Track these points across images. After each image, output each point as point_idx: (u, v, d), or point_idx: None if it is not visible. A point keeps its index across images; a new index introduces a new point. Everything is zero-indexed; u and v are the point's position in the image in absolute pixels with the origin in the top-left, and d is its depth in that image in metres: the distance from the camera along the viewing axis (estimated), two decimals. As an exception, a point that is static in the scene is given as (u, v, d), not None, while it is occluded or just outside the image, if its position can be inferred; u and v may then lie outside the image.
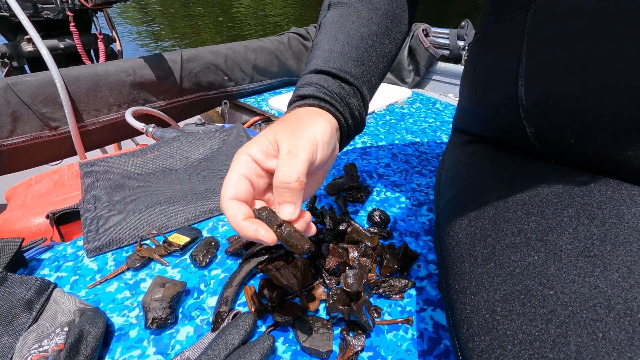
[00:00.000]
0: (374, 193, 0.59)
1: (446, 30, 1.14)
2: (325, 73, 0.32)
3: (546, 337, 0.19)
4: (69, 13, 0.89)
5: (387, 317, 0.38)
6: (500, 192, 0.29)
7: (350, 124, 0.33)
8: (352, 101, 0.32)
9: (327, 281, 0.41)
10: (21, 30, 0.92)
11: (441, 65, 1.17)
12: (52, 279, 0.43)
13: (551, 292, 0.20)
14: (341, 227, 0.46)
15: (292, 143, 0.27)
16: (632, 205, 0.22)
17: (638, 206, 0.22)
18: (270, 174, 0.29)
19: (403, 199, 0.58)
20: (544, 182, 0.27)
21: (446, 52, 1.14)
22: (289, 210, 0.26)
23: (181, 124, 0.95)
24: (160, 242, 0.47)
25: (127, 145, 1.16)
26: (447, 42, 1.13)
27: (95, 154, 0.95)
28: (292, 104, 0.33)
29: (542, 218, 0.24)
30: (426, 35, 1.14)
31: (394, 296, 0.40)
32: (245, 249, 0.45)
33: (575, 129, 0.26)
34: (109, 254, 0.46)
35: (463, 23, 1.09)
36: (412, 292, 0.41)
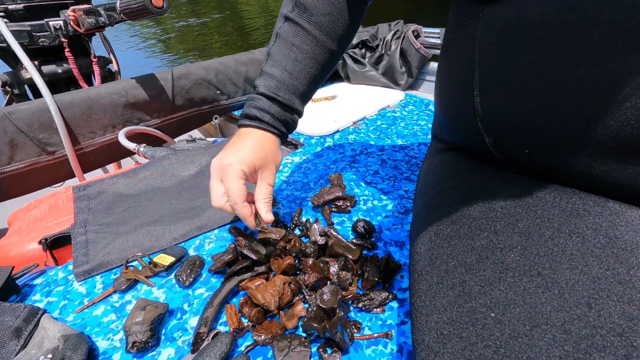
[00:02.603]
0: (361, 202, 0.59)
1: (437, 30, 1.13)
2: (277, 102, 0.44)
3: None
4: (63, 39, 0.92)
5: (367, 331, 0.38)
6: (459, 206, 0.29)
7: (287, 136, 0.48)
8: (292, 120, 0.47)
9: (307, 297, 0.41)
10: (21, 59, 0.96)
11: (434, 65, 1.16)
12: (42, 304, 0.44)
13: (492, 315, 0.20)
14: (322, 242, 0.46)
15: (267, 177, 0.44)
16: (585, 216, 0.22)
17: (591, 216, 0.22)
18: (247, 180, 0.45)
19: (390, 206, 0.58)
20: (500, 195, 0.26)
21: (438, 52, 1.13)
22: (268, 216, 0.43)
23: (178, 139, 0.96)
24: (147, 263, 0.48)
25: (128, 163, 1.18)
26: (439, 41, 1.12)
27: (96, 174, 0.97)
28: (253, 118, 0.45)
29: (493, 234, 0.24)
30: (417, 36, 1.13)
31: (374, 309, 0.40)
32: (227, 266, 0.45)
33: (527, 140, 0.26)
34: (98, 277, 0.47)
35: (453, 22, 1.08)
36: (394, 304, 0.41)
